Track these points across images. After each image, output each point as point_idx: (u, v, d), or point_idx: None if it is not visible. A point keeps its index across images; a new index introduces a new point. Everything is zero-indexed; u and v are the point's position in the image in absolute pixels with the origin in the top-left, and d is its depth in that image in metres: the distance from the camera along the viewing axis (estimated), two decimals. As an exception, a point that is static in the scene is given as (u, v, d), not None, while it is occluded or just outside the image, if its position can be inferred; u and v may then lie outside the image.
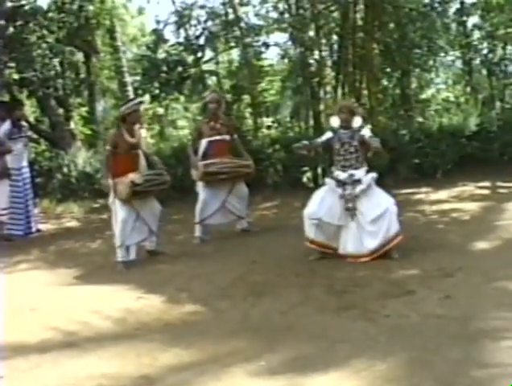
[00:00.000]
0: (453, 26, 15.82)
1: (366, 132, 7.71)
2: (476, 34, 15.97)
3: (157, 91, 14.79)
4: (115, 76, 18.93)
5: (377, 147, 7.54)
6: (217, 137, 9.49)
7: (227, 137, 9.59)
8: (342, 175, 7.66)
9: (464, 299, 5.97)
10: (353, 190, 7.54)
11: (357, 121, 7.69)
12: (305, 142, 8.08)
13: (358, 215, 7.56)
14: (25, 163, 11.23)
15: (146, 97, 15.32)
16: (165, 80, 14.48)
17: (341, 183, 7.61)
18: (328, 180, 7.85)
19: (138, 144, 8.57)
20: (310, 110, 14.47)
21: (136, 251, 8.55)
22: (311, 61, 14.20)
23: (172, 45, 14.89)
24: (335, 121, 7.80)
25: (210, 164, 9.30)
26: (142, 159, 8.65)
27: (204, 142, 9.50)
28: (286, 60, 15.81)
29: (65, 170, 14.73)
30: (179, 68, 14.56)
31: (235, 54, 16.92)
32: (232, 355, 5.11)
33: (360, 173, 7.65)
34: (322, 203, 7.61)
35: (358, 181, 7.59)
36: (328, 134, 7.92)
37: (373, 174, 7.66)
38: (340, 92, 13.96)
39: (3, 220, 10.70)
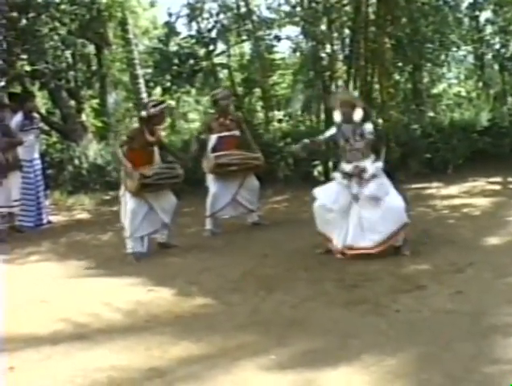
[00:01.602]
0: (466, 20, 15.71)
1: (368, 126, 7.68)
2: (489, 29, 15.87)
3: (168, 83, 14.86)
4: (127, 69, 18.83)
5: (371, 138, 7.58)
6: (227, 133, 9.54)
7: (237, 132, 9.64)
8: (348, 167, 7.62)
9: (475, 294, 5.95)
10: (361, 180, 7.49)
11: (357, 114, 7.64)
12: (305, 141, 7.99)
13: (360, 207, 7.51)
14: (36, 155, 11.27)
15: (158, 90, 15.32)
16: (177, 72, 14.52)
17: (348, 176, 7.58)
18: (335, 174, 7.87)
19: (156, 142, 8.66)
20: (321, 104, 14.43)
21: (147, 243, 8.59)
22: (323, 55, 14.19)
23: (184, 38, 14.94)
24: (337, 116, 7.78)
25: (221, 156, 9.35)
26: (157, 155, 8.72)
27: (213, 138, 9.53)
28: (297, 54, 15.80)
29: (76, 162, 14.78)
30: (191, 61, 14.60)
31: (247, 47, 16.90)
32: (242, 348, 5.11)
33: (365, 163, 7.58)
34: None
35: (364, 170, 7.52)
36: (332, 130, 7.85)
37: (379, 164, 7.60)
38: (351, 86, 13.91)
39: (14, 212, 10.74)
